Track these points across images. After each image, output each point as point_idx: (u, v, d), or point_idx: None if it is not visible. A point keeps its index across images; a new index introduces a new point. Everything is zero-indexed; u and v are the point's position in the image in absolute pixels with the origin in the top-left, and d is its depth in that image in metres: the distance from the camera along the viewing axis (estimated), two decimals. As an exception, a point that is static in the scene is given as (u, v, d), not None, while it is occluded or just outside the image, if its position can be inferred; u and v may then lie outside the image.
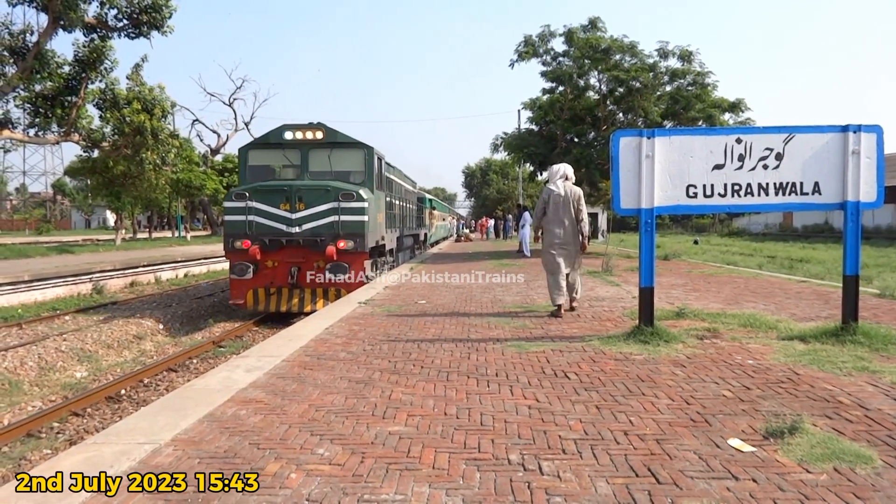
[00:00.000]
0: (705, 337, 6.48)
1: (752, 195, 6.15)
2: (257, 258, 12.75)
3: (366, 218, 12.91)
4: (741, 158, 6.12)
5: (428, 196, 32.13)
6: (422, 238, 27.72)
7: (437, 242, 36.05)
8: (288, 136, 13.81)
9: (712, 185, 6.16)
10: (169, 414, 4.20)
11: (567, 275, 8.33)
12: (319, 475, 3.19)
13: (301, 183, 13.27)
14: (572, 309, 8.57)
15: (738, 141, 6.13)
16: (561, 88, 22.58)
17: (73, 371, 10.13)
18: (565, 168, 8.55)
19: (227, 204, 13.43)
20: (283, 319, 12.70)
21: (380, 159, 14.91)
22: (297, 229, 12.86)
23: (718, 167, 6.14)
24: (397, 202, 18.78)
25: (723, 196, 6.16)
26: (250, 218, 12.93)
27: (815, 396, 4.36)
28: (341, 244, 12.70)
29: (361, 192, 12.98)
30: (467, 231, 53.13)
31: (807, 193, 6.12)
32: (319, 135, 13.78)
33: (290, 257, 13.03)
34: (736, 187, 6.14)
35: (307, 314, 10.14)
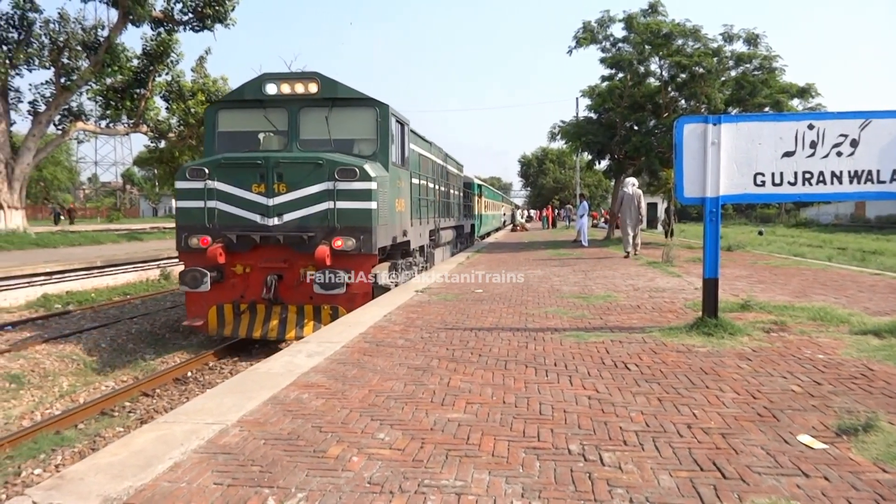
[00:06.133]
0: (772, 330, 6.28)
1: (825, 183, 5.91)
2: (220, 261, 9.24)
3: (374, 205, 9.24)
4: (813, 145, 5.88)
5: (477, 181, 27.88)
6: (467, 230, 23.57)
7: (487, 234, 32.42)
8: (271, 89, 10.08)
9: (781, 173, 5.95)
10: (235, 396, 4.34)
11: (634, 236, 16.01)
12: (380, 459, 3.24)
13: (281, 155, 9.54)
14: (636, 255, 15.75)
15: (811, 127, 5.90)
16: (620, 75, 22.17)
17: (142, 353, 10.54)
18: (633, 179, 16.73)
19: (179, 185, 9.70)
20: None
21: (401, 124, 11.17)
22: (275, 221, 9.27)
23: (788, 154, 5.92)
24: (432, 185, 14.85)
25: (793, 184, 5.95)
26: (211, 204, 9.39)
27: (890, 393, 4.17)
28: (338, 243, 9.15)
29: (367, 167, 9.26)
30: (523, 221, 52.77)
31: (884, 182, 5.84)
32: (313, 88, 10.05)
33: (267, 261, 9.51)
34: (807, 175, 5.91)
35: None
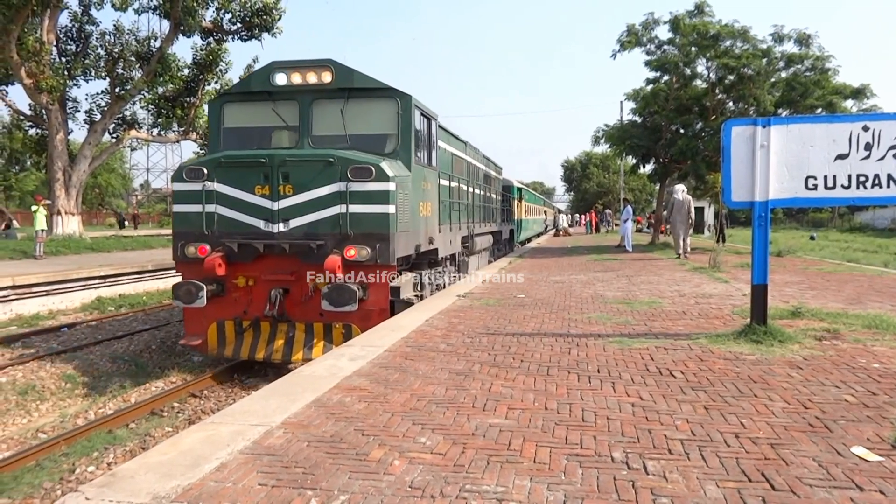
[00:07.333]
0: (824, 338, 6.09)
1: (881, 187, 5.70)
2: (219, 273, 8.39)
3: (391, 209, 8.26)
4: (868, 147, 5.69)
5: (517, 184, 26.38)
6: (506, 236, 22.28)
7: (528, 240, 31.12)
8: (280, 79, 9.12)
9: (835, 177, 5.77)
10: (279, 398, 4.41)
11: (683, 239, 16.95)
12: (422, 463, 3.25)
13: (287, 152, 8.67)
14: (685, 257, 16.57)
15: (865, 129, 5.71)
16: (666, 78, 21.82)
17: (190, 355, 10.79)
18: (682, 186, 17.59)
19: (175, 187, 8.91)
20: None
21: (426, 118, 10.04)
22: (280, 227, 8.40)
23: (842, 157, 5.74)
24: (466, 188, 13.69)
25: (846, 188, 5.76)
26: (210, 209, 8.54)
27: (952, 405, 4.00)
28: (351, 252, 8.21)
29: (385, 166, 8.30)
30: (566, 225, 52.35)
31: (944, 185, 5.62)
32: (327, 77, 9.05)
33: (272, 272, 8.61)
34: (862, 178, 5.72)
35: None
